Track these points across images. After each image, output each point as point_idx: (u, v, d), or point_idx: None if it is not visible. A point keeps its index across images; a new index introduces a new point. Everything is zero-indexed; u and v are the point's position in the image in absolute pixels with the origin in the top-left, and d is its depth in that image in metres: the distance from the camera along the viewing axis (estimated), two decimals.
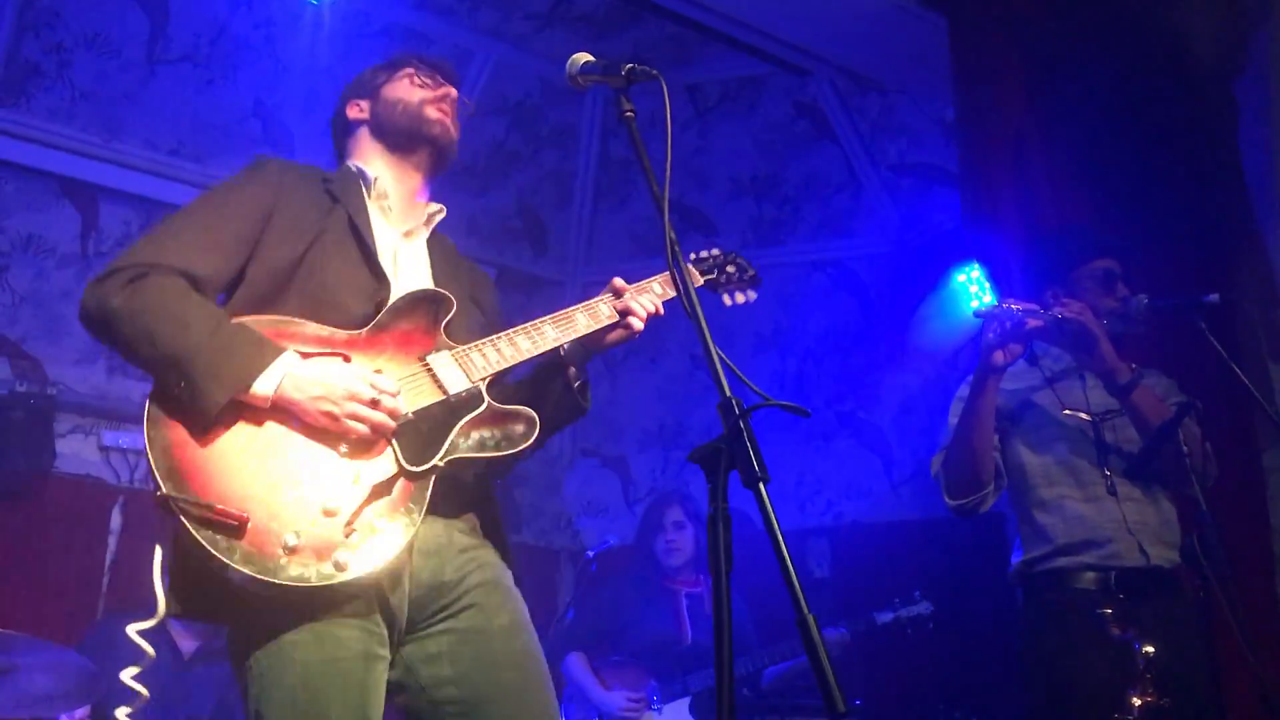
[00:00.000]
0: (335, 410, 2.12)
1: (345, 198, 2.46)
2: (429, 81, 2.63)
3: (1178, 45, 5.39)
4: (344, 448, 2.15)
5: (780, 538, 1.57)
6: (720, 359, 1.81)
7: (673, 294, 2.62)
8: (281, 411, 2.13)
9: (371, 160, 2.59)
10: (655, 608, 5.25)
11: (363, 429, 2.13)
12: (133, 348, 2.14)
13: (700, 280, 2.89)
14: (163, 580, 2.09)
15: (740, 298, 2.99)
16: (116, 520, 6.11)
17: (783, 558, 1.54)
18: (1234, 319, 4.49)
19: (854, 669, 5.43)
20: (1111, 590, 3.30)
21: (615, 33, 6.38)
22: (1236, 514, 4.20)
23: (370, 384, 2.16)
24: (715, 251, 2.97)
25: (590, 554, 5.56)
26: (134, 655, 2.13)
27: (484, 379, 2.35)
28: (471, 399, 2.32)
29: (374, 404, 2.14)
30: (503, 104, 6.63)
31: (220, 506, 1.99)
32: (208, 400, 2.05)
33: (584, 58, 2.34)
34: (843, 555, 6.70)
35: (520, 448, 2.32)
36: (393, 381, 2.21)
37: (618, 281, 2.59)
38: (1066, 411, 3.53)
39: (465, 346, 2.38)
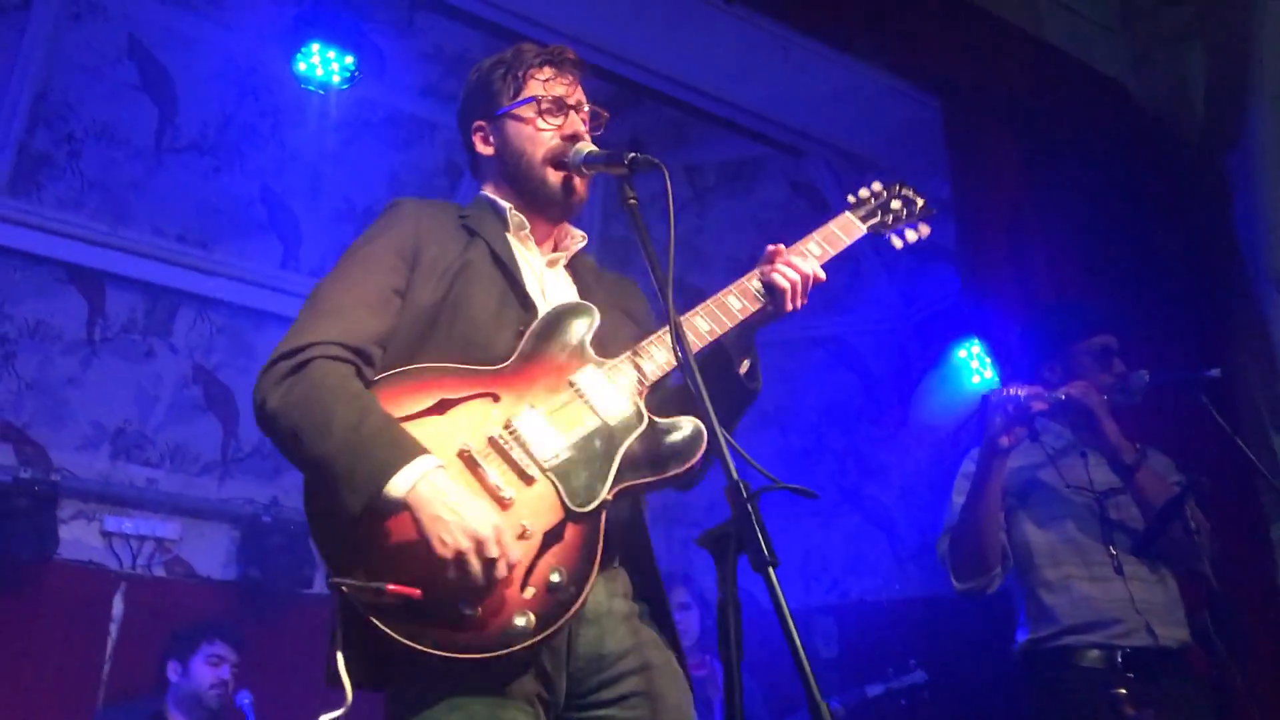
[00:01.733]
0: (449, 541, 1.90)
1: (484, 230, 2.34)
2: (555, 109, 2.44)
3: (1169, 123, 5.49)
4: (509, 494, 2.01)
5: (791, 624, 1.55)
6: (726, 440, 1.80)
7: (834, 252, 2.48)
8: (475, 458, 2.02)
9: (504, 195, 2.45)
10: None
11: (454, 578, 1.91)
12: (284, 447, 2.04)
13: (863, 228, 2.60)
14: (343, 662, 1.95)
15: (912, 235, 2.67)
16: (118, 607, 6.07)
17: (794, 646, 1.53)
18: (1235, 392, 4.51)
19: None
20: (1118, 669, 3.27)
21: (614, 118, 6.46)
22: (1245, 589, 4.18)
23: (498, 541, 1.93)
24: (876, 187, 2.66)
25: None
26: None
27: (640, 392, 2.19)
28: (629, 418, 2.15)
29: (488, 562, 1.92)
30: None
31: (391, 587, 1.88)
32: (345, 509, 1.93)
33: (586, 148, 2.38)
34: (850, 633, 6.64)
35: (693, 460, 2.12)
36: (517, 550, 1.97)
37: (771, 248, 2.41)
38: (1069, 488, 3.54)
39: (615, 361, 2.21)
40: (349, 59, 4.99)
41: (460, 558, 1.90)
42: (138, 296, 6.23)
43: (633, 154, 2.20)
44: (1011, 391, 3.38)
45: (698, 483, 2.27)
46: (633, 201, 2.17)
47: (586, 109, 2.50)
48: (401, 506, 1.93)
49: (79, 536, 6.15)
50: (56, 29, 5.45)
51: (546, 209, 2.44)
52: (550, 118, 2.43)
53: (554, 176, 2.40)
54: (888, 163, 6.31)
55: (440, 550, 1.90)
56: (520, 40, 4.79)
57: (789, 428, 7.15)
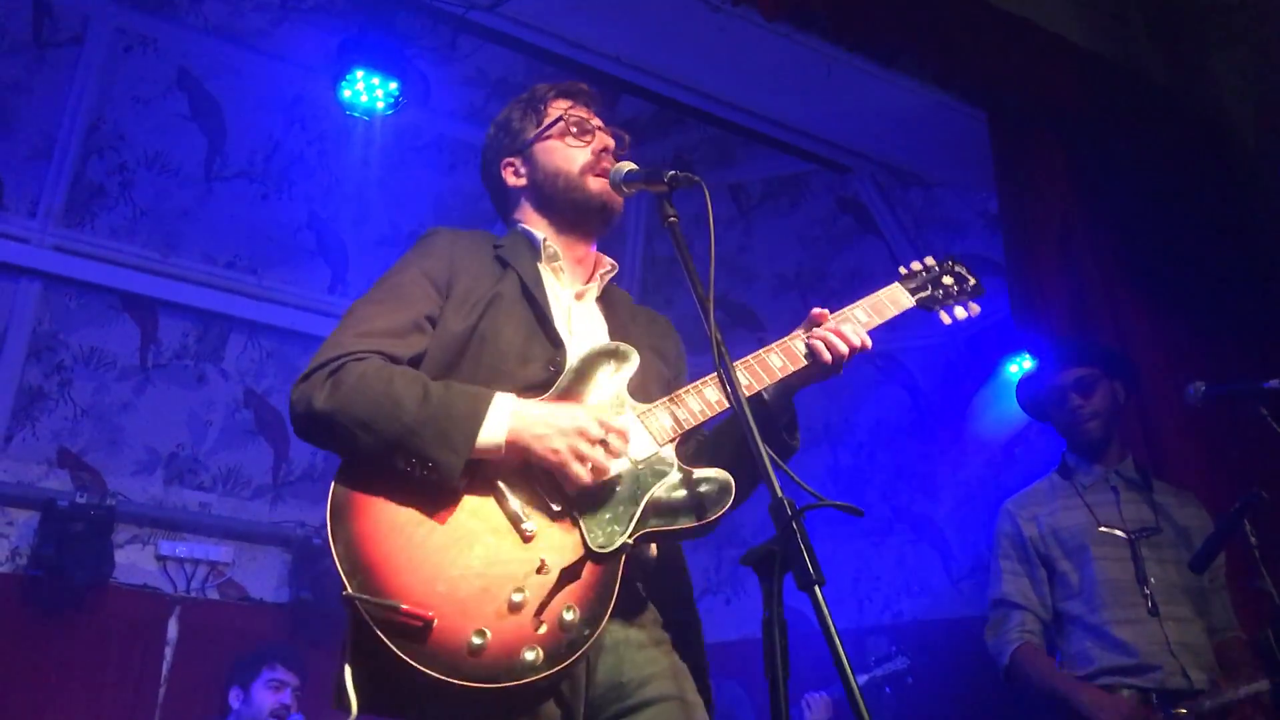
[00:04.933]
0: (561, 447, 2.02)
1: (516, 262, 2.37)
2: (581, 128, 2.50)
3: (1220, 128, 5.39)
4: (531, 528, 2.03)
5: (838, 641, 1.53)
6: (771, 458, 1.78)
7: (880, 320, 2.48)
8: (497, 483, 2.05)
9: (538, 225, 2.49)
10: None
11: (584, 475, 2.02)
12: (351, 441, 2.04)
13: (911, 301, 2.59)
14: (352, 678, 1.97)
15: (961, 313, 2.65)
16: (173, 630, 6.13)
17: (841, 663, 1.51)
18: None
19: None
20: (1154, 708, 3.26)
21: (658, 138, 6.50)
22: None
23: (599, 421, 2.06)
24: (929, 262, 2.66)
25: None
26: None
27: (672, 440, 2.19)
28: (659, 464, 2.15)
29: (603, 444, 2.04)
30: None
31: (405, 607, 1.90)
32: (447, 470, 1.99)
33: (627, 166, 2.38)
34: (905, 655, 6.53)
35: (714, 516, 2.10)
36: (622, 420, 2.10)
37: (816, 311, 2.40)
38: (1103, 529, 3.52)
39: (649, 406, 2.22)
40: (393, 85, 5.03)
41: (576, 453, 2.01)
42: (189, 323, 6.32)
43: (672, 171, 2.20)
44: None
45: (714, 529, 2.22)
46: (673, 219, 2.17)
47: (611, 131, 2.54)
48: (496, 449, 2.03)
49: (134, 560, 6.23)
50: (109, 62, 5.57)
51: (587, 222, 2.48)
52: (579, 136, 2.49)
53: (596, 184, 2.45)
54: (934, 177, 6.26)
55: (554, 459, 2.02)
56: (559, 63, 4.83)
57: (839, 445, 7.08)
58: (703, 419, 2.24)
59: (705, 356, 1.99)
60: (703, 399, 2.24)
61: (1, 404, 5.98)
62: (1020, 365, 6.06)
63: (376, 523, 2.00)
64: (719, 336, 1.97)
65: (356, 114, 5.16)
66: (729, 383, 1.93)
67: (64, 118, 5.60)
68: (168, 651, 6.08)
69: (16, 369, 5.96)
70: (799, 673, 1.68)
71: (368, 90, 5.03)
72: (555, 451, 2.02)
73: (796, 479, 1.90)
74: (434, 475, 2.00)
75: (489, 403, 2.05)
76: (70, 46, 5.49)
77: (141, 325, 6.22)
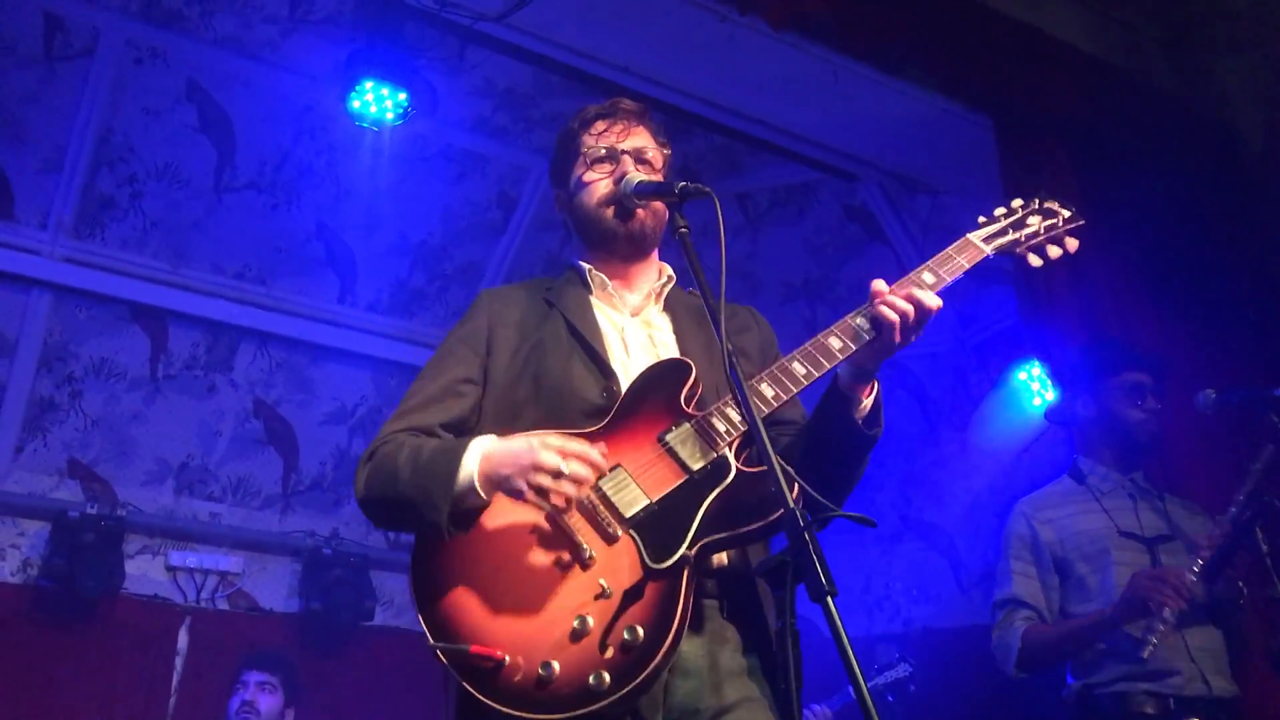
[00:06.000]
0: (521, 487, 2.02)
1: (562, 299, 2.43)
2: (600, 159, 2.49)
3: (1228, 134, 5.39)
4: (589, 553, 2.04)
5: (850, 652, 1.53)
6: (783, 469, 1.78)
7: (950, 279, 2.28)
8: (506, 507, 2.11)
9: (585, 254, 2.54)
10: None
11: (548, 506, 2.04)
12: (390, 518, 2.25)
13: (986, 249, 2.37)
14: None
15: (1055, 251, 2.40)
16: (183, 640, 6.15)
17: (855, 676, 1.51)
18: None
19: None
20: (1172, 715, 3.25)
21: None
22: None
23: (556, 448, 2.03)
24: (1016, 204, 2.44)
25: None
26: None
27: (730, 443, 2.13)
28: (716, 470, 2.10)
29: (557, 474, 2.01)
30: (558, 218, 6.75)
31: (476, 648, 1.98)
32: (436, 527, 2.08)
33: (637, 178, 2.39)
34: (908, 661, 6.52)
35: (774, 516, 2.00)
36: (582, 444, 2.05)
37: (876, 285, 2.24)
38: (1122, 534, 3.51)
39: (707, 412, 2.17)
40: (402, 95, 5.05)
41: (537, 487, 2.01)
42: (199, 333, 6.35)
43: (682, 183, 2.21)
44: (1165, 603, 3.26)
45: (779, 530, 2.12)
46: (684, 230, 2.17)
47: (649, 149, 2.53)
48: (475, 494, 2.07)
49: (144, 571, 6.26)
50: (119, 74, 5.60)
51: (616, 251, 2.48)
52: (599, 167, 2.49)
53: (609, 213, 2.44)
54: (941, 184, 6.26)
55: (523, 499, 2.03)
56: (567, 73, 4.83)
57: None
58: (764, 413, 2.13)
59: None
60: (758, 396, 2.14)
61: (12, 415, 6.01)
62: (1029, 372, 6.06)
63: (445, 572, 2.09)
64: (730, 347, 1.96)
65: (365, 124, 5.17)
66: (739, 392, 1.93)
67: (74, 130, 5.63)
68: (178, 661, 6.10)
69: (27, 380, 5.99)
70: (806, 682, 1.68)
71: (376, 101, 5.05)
72: (519, 491, 2.03)
73: (808, 488, 1.90)
74: (435, 534, 2.09)
75: (461, 454, 2.11)
76: (81, 59, 5.52)
77: (151, 336, 6.24)
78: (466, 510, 2.10)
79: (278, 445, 6.68)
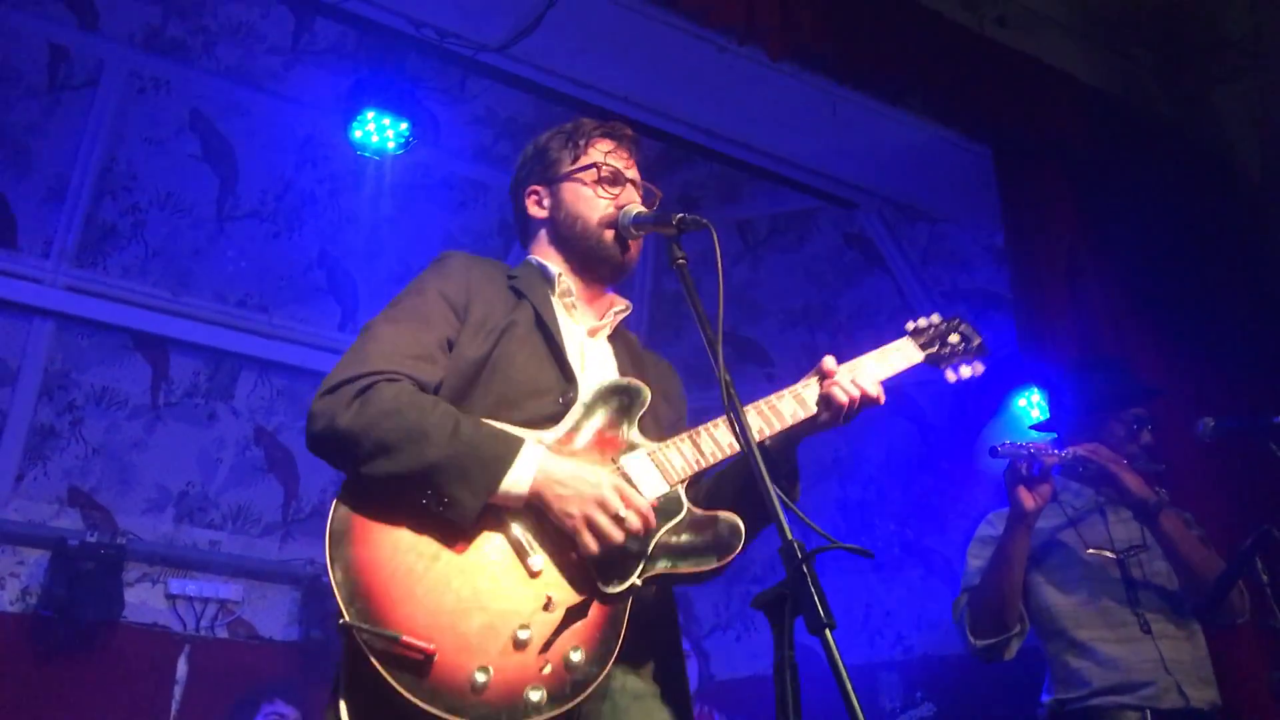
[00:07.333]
0: (575, 513, 2.00)
1: (530, 294, 2.36)
2: (613, 180, 2.49)
3: (1225, 161, 5.41)
4: (537, 563, 2.00)
5: (849, 687, 1.52)
6: (780, 499, 1.78)
7: (891, 373, 2.47)
8: (504, 515, 2.02)
9: (553, 259, 2.48)
10: None
11: (592, 545, 1.99)
12: (369, 464, 2.00)
13: (920, 355, 2.59)
14: (348, 713, 1.91)
15: (966, 371, 2.65)
16: (183, 669, 6.12)
17: (853, 710, 1.50)
18: None
19: None
20: None
21: (665, 174, 6.54)
22: None
23: (623, 496, 2.02)
24: (935, 319, 2.66)
25: None
26: None
27: (683, 480, 2.16)
28: (669, 505, 2.13)
29: (618, 520, 2.00)
30: None
31: (406, 638, 1.85)
32: (463, 510, 1.97)
33: (635, 209, 2.41)
34: (915, 690, 6.49)
35: (725, 560, 2.09)
36: (643, 499, 2.05)
37: (826, 362, 2.37)
38: (1090, 551, 3.48)
39: (661, 444, 2.20)
40: (404, 125, 5.08)
41: (590, 522, 1.99)
42: (200, 361, 6.35)
43: (680, 214, 2.21)
44: (1024, 446, 3.30)
45: (721, 574, 2.19)
46: (681, 261, 2.18)
47: (642, 186, 2.54)
48: (518, 502, 2.01)
49: (144, 599, 6.23)
50: (122, 104, 5.64)
51: (598, 270, 2.47)
52: (609, 187, 2.48)
53: (609, 236, 2.43)
54: (940, 212, 6.29)
55: (569, 523, 2.00)
56: (567, 103, 4.87)
57: (847, 479, 7.07)
58: (714, 460, 2.21)
59: (717, 390, 1.97)
60: (715, 440, 2.22)
61: (13, 443, 6.00)
62: (1028, 399, 6.06)
63: (379, 549, 1.95)
64: (728, 378, 1.96)
65: (367, 154, 5.21)
66: (739, 424, 1.92)
67: (78, 159, 5.66)
68: (177, 690, 6.06)
69: (29, 408, 5.99)
70: (807, 713, 1.67)
71: (378, 130, 5.09)
72: (570, 516, 2.00)
73: (806, 519, 1.90)
74: (449, 513, 1.97)
75: (518, 450, 2.03)
76: (85, 89, 5.56)
77: (153, 364, 6.25)
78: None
79: (278, 473, 6.67)
